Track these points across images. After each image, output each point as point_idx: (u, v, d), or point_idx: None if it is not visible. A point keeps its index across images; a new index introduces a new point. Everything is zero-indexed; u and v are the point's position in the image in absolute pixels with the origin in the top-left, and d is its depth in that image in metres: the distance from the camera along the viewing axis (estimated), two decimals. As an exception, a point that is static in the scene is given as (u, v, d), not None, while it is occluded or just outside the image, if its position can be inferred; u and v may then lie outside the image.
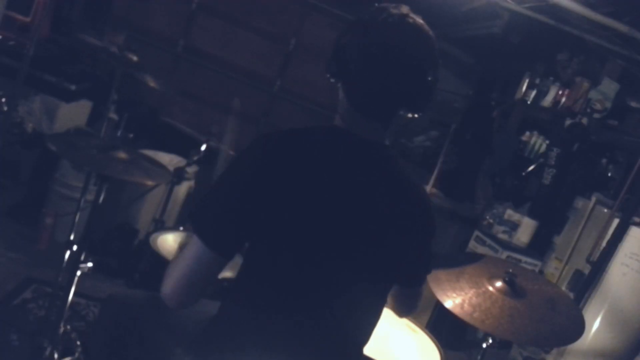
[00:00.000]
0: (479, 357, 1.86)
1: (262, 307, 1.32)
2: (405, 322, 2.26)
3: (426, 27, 1.33)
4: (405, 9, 1.34)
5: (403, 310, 1.65)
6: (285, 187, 1.25)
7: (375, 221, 1.33)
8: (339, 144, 1.33)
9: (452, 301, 1.73)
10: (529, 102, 4.47)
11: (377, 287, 1.43)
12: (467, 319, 1.68)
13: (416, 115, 1.36)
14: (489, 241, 3.98)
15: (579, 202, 3.89)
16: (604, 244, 3.30)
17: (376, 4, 1.37)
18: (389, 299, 1.56)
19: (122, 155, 2.18)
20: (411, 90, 1.33)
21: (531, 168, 4.23)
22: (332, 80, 1.36)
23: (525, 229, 4.03)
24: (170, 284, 1.29)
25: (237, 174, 1.30)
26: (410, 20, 1.32)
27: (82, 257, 2.15)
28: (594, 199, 3.74)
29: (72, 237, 2.29)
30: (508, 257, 3.79)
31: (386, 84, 1.30)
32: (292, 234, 1.28)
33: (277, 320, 1.32)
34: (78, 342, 2.33)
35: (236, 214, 1.26)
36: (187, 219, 2.55)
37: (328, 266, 1.31)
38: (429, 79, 1.31)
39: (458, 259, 2.01)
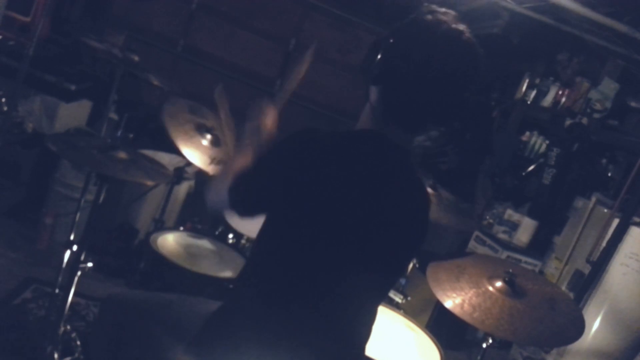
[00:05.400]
0: (479, 357, 1.86)
1: (264, 304, 1.34)
2: (405, 321, 2.26)
3: (478, 46, 1.29)
4: (460, 24, 1.30)
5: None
6: (311, 180, 1.28)
7: (384, 221, 1.36)
8: (371, 148, 1.33)
9: (452, 301, 1.73)
10: (529, 102, 4.47)
11: (378, 284, 1.45)
12: (467, 319, 1.68)
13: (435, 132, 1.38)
14: (489, 241, 3.98)
15: (579, 202, 3.89)
16: (604, 244, 3.30)
17: (425, 5, 1.32)
18: None
19: (122, 155, 2.18)
20: (448, 108, 1.32)
21: (531, 168, 4.23)
22: (370, 83, 1.32)
23: (525, 229, 4.03)
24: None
25: (274, 156, 1.36)
26: (466, 37, 1.28)
27: (82, 257, 2.15)
28: (594, 199, 3.74)
29: (72, 237, 2.29)
30: (508, 257, 3.79)
31: (430, 97, 1.27)
32: (303, 226, 1.31)
33: (279, 316, 1.33)
34: (78, 342, 2.33)
35: (267, 193, 1.33)
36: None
37: (330, 261, 1.33)
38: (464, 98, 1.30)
39: (454, 255, 2.01)
